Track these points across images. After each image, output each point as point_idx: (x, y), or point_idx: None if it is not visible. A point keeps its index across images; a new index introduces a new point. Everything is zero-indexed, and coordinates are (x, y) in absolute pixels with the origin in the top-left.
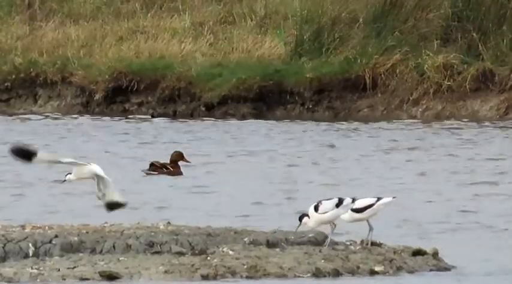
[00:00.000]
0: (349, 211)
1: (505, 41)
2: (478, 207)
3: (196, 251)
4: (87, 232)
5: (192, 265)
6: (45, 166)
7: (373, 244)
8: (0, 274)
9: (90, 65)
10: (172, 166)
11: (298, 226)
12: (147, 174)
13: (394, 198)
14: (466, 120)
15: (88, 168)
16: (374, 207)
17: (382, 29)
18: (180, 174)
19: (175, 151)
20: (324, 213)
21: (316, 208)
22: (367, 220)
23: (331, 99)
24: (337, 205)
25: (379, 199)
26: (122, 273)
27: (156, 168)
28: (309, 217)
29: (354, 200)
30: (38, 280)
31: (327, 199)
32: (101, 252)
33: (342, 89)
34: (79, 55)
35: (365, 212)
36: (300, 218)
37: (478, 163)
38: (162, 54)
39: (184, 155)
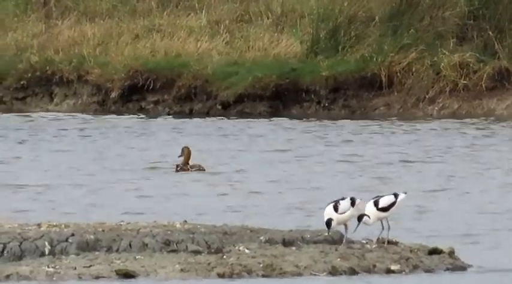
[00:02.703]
0: (375, 211)
1: None
2: (496, 206)
3: (213, 250)
4: (103, 231)
5: (209, 264)
6: None
7: (389, 242)
8: (17, 272)
9: (106, 63)
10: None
11: (328, 231)
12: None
13: (405, 193)
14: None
15: None
16: (396, 204)
17: (398, 27)
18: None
19: (187, 147)
20: (343, 213)
21: (335, 209)
22: (386, 219)
23: (347, 98)
24: (352, 205)
25: (396, 195)
26: (138, 271)
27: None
28: (333, 220)
29: (375, 201)
30: (54, 279)
31: (342, 199)
32: (117, 250)
33: (358, 87)
34: (95, 53)
35: (390, 210)
36: (328, 225)
37: None
38: (178, 52)
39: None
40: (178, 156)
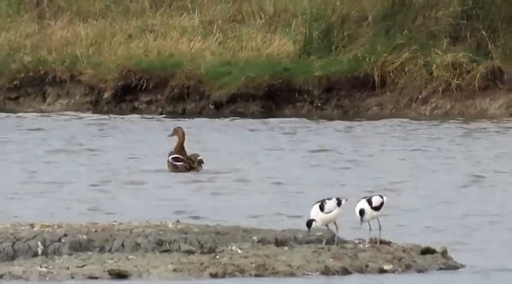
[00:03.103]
0: (369, 209)
1: None
2: (489, 205)
3: (205, 250)
4: (96, 231)
5: (201, 264)
6: None
7: (382, 242)
8: (10, 272)
9: (99, 63)
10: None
11: (309, 231)
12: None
13: (385, 196)
14: None
15: None
16: (384, 204)
17: (391, 27)
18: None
19: (180, 128)
20: (329, 212)
21: (321, 208)
22: (377, 218)
23: (340, 98)
24: (338, 205)
25: (382, 197)
26: (131, 271)
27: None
28: (315, 221)
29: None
30: (47, 279)
31: (329, 199)
32: (110, 250)
33: (350, 87)
34: (88, 53)
35: (381, 209)
36: (308, 225)
37: None
38: (171, 52)
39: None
40: (169, 136)
